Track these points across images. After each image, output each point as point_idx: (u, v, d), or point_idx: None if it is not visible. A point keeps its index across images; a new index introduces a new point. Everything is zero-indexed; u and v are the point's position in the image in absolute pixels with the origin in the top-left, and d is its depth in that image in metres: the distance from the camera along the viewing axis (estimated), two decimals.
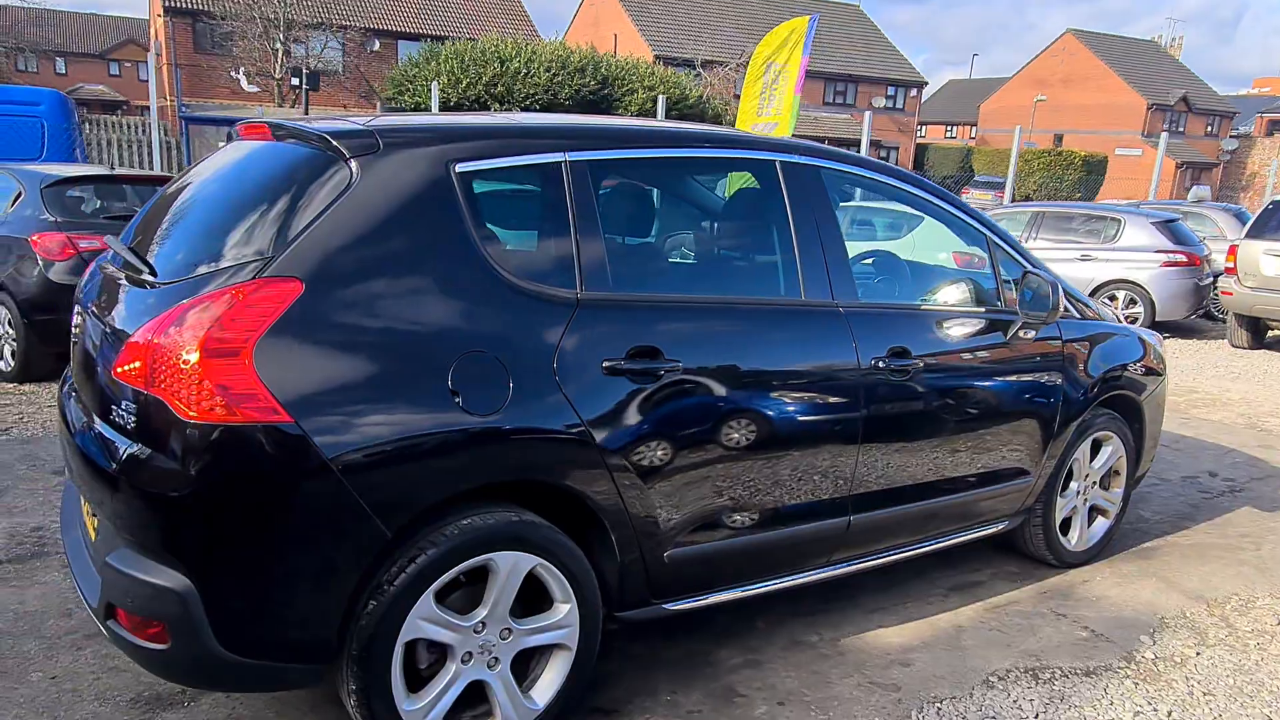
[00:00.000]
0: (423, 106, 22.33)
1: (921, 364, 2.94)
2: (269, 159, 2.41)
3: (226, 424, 1.91)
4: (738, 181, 2.99)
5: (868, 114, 13.80)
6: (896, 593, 3.48)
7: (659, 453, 2.42)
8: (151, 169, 13.31)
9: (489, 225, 2.31)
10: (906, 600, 3.44)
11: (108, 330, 2.27)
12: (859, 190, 3.21)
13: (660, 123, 2.80)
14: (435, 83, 13.47)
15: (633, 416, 2.37)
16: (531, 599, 2.34)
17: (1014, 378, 3.29)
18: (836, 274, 2.81)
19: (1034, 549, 3.72)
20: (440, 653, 2.27)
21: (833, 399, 2.77)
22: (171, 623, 1.97)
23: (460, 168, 2.25)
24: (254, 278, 1.99)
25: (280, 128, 2.42)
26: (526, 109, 20.49)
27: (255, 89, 24.72)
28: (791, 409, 2.68)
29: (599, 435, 2.31)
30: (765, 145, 2.84)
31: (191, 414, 1.91)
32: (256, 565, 2.00)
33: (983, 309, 3.21)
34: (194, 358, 1.91)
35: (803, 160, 2.82)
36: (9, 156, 9.44)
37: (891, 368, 2.87)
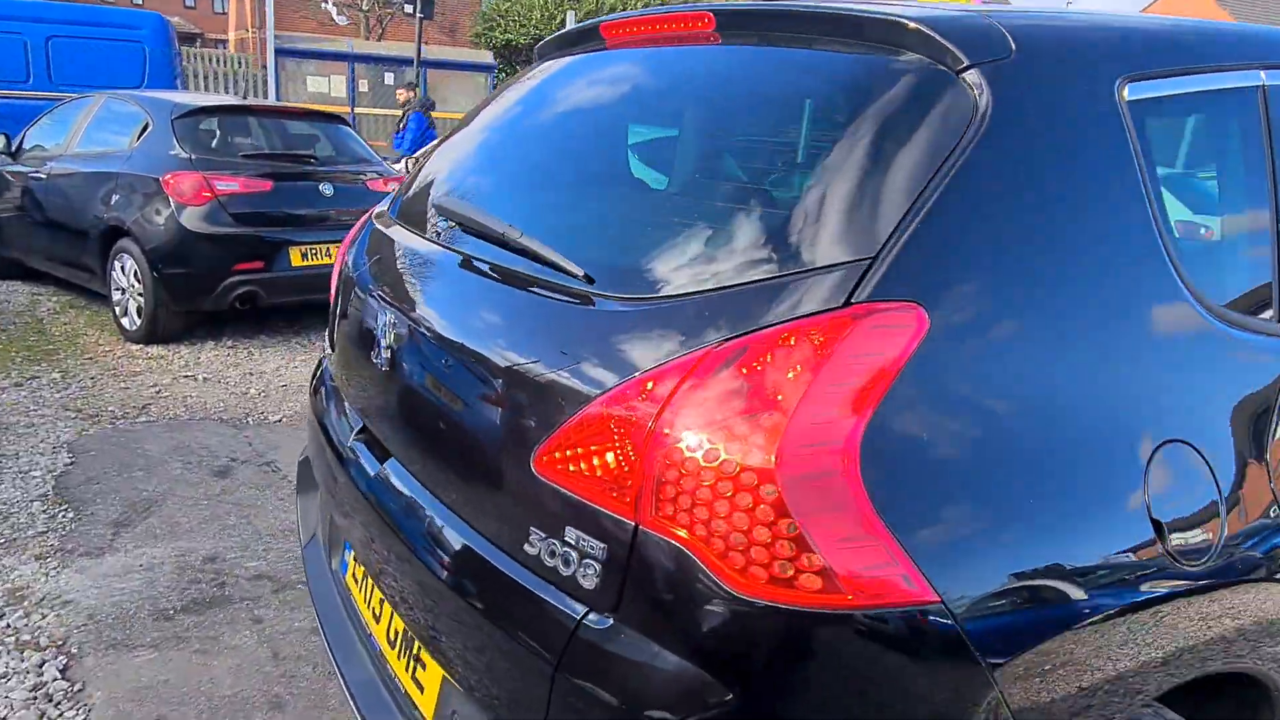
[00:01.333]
0: (515, 45, 21.24)
1: None
2: (755, 73, 1.39)
3: (821, 609, 0.93)
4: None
5: None
6: None
7: None
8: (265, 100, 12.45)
9: (1168, 199, 1.27)
10: None
11: (458, 356, 1.30)
12: None
13: None
14: (572, 11, 12.18)
15: None
16: None
17: None
18: None
19: None
20: None
21: None
22: None
23: (1131, 91, 1.21)
24: (845, 304, 1.00)
25: (749, 16, 1.38)
26: None
27: (345, 21, 23.71)
28: None
29: None
30: None
31: (749, 582, 0.94)
32: None
33: None
34: (759, 463, 0.93)
35: None
36: (108, 84, 8.59)
37: None
